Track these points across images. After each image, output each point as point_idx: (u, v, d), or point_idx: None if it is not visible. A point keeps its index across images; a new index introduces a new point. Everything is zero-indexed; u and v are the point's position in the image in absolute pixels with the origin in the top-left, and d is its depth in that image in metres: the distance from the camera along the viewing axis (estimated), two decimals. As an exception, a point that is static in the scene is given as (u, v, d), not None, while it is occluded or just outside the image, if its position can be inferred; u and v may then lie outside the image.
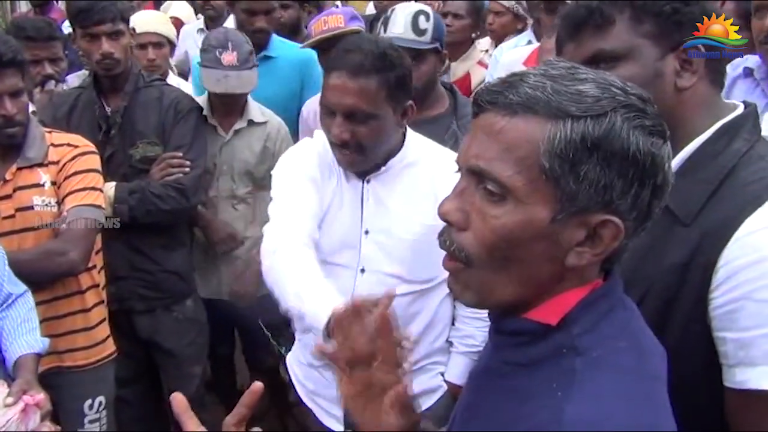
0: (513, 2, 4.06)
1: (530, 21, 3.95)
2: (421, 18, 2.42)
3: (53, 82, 3.01)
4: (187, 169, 2.72)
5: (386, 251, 1.91)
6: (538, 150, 0.87)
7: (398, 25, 2.43)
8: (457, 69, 3.78)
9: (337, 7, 4.57)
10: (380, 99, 1.81)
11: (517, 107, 0.88)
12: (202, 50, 2.89)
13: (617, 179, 0.87)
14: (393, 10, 2.53)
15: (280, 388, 3.20)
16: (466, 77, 3.66)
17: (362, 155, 1.86)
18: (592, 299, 0.93)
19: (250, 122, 2.98)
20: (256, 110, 3.02)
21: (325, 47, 2.83)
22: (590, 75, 0.91)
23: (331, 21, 2.99)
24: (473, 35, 3.93)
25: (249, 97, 3.01)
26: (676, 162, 1.24)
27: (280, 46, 3.54)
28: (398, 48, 1.94)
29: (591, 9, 1.26)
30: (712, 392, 1.19)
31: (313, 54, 3.17)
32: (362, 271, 1.94)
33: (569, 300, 0.93)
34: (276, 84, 3.34)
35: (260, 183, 2.96)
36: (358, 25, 3.05)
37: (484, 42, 4.13)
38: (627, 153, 0.87)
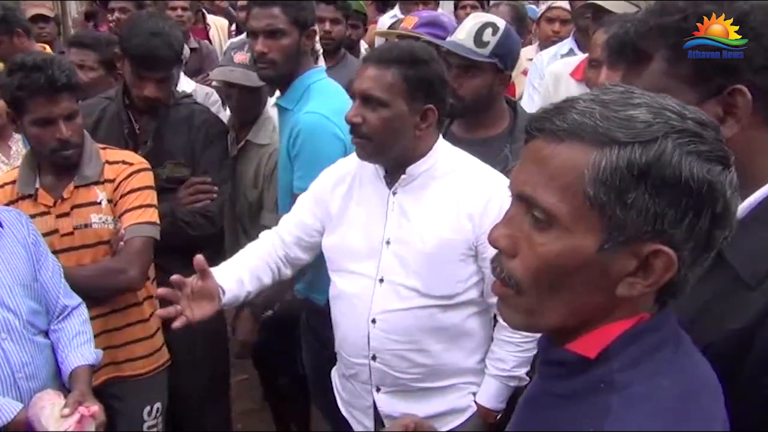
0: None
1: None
2: (488, 30, 2.31)
3: None
4: (215, 195, 2.71)
5: (404, 263, 1.93)
6: (583, 177, 0.86)
7: (462, 31, 2.35)
8: (503, 79, 3.78)
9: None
10: (394, 90, 1.87)
11: (562, 134, 0.87)
12: (224, 54, 2.98)
13: (668, 208, 0.84)
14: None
15: (295, 408, 3.28)
16: (511, 87, 3.64)
17: (371, 144, 1.90)
18: (637, 332, 0.90)
19: (248, 142, 2.90)
20: (263, 130, 2.90)
21: None
22: (645, 99, 0.88)
23: (406, 21, 2.98)
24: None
25: (268, 116, 2.93)
26: (738, 214, 1.12)
27: (300, 96, 2.55)
28: (432, 52, 1.97)
29: (625, 43, 1.21)
30: None
31: (309, 122, 2.43)
32: (381, 281, 1.96)
33: (611, 332, 0.90)
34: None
35: (253, 211, 2.86)
36: (428, 32, 2.85)
37: (530, 50, 4.11)
38: (679, 180, 0.83)
